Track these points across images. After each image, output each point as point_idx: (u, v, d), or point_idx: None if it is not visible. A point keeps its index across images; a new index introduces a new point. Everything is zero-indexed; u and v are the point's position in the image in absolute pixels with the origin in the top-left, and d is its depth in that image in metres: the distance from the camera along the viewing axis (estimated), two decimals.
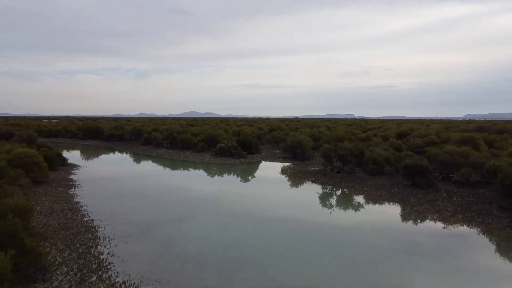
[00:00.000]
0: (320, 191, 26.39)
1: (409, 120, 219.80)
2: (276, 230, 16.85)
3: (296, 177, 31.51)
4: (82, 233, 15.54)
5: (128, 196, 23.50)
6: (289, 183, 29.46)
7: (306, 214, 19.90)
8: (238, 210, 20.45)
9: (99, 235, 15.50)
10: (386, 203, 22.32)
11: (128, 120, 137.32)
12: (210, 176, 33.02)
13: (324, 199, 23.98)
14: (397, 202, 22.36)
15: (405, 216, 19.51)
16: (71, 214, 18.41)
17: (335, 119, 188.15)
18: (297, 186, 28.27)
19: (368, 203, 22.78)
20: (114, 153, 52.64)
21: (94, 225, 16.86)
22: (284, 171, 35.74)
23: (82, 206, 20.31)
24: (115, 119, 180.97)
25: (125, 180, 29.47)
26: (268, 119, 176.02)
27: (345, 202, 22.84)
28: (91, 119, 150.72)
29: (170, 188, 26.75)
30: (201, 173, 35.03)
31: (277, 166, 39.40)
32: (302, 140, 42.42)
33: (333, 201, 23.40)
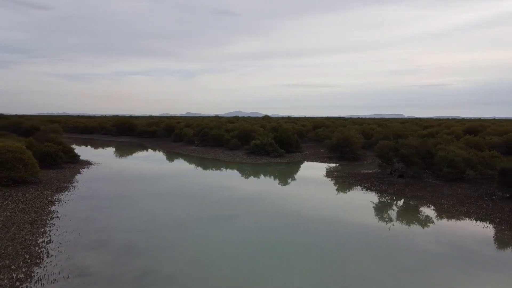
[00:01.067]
0: (376, 200, 19.73)
1: (466, 119, 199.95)
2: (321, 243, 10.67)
3: (344, 182, 24.86)
4: (14, 268, 10.15)
5: (127, 202, 18.14)
6: (336, 188, 22.94)
7: (360, 234, 13.41)
8: (269, 234, 14.35)
9: (36, 272, 10.03)
10: (480, 224, 15.20)
11: (168, 118, 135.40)
12: (240, 179, 27.18)
13: (381, 211, 17.23)
14: (499, 224, 15.15)
15: None
16: (26, 231, 13.20)
17: (385, 118, 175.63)
18: (345, 192, 21.73)
19: (441, 218, 15.89)
20: (139, 149, 48.48)
21: (45, 251, 11.47)
22: (329, 173, 29.18)
23: (53, 218, 15.13)
24: (159, 118, 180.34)
25: (134, 181, 24.35)
26: (313, 118, 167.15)
27: (412, 218, 15.94)
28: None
29: (183, 193, 21.19)
30: (229, 174, 29.32)
31: (321, 167, 32.85)
32: (351, 137, 35.47)
33: (393, 213, 16.59)
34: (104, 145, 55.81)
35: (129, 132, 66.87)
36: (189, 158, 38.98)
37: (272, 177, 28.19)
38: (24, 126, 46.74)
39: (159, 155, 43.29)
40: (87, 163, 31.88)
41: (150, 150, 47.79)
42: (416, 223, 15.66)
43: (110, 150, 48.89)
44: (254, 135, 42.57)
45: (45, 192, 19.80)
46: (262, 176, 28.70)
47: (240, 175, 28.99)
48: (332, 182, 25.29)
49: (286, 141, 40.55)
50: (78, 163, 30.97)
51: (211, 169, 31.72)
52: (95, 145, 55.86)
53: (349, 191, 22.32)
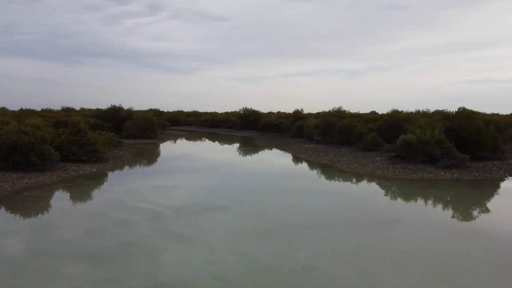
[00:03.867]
0: None
1: None
2: None
3: None
4: None
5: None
6: None
7: None
8: None
9: None
10: None
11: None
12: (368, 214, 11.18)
13: None
14: None
15: None
16: None
17: None
18: None
19: None
20: (240, 145, 36.20)
21: None
22: None
23: None
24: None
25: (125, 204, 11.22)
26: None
27: None
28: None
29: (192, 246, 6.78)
30: (340, 202, 13.49)
31: None
32: None
33: None
34: (214, 138, 45.78)
35: (253, 125, 55.90)
36: (287, 160, 24.14)
37: (436, 211, 11.14)
38: (120, 114, 40.16)
39: (248, 155, 29.84)
40: (116, 164, 20.43)
41: (247, 147, 34.80)
42: None
43: (205, 144, 38.21)
44: (409, 128, 24.50)
45: None
46: (419, 207, 11.97)
47: (359, 206, 12.82)
48: None
49: (471, 136, 21.35)
50: (99, 163, 19.66)
51: (302, 188, 16.27)
52: (202, 138, 46.42)
53: None
